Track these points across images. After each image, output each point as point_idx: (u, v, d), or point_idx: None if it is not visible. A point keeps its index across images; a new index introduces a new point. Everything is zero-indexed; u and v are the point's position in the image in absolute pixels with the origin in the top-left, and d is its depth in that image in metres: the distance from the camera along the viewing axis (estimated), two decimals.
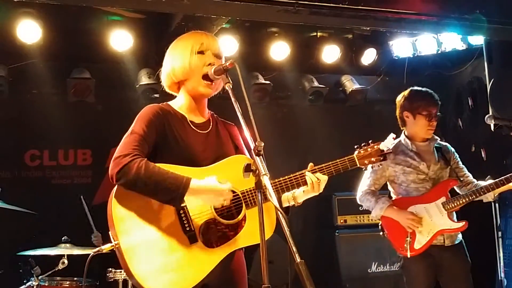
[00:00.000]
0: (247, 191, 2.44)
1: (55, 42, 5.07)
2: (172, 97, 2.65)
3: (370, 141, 2.69)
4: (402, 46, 6.14)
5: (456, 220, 3.81)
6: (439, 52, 5.95)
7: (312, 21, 4.26)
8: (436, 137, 3.99)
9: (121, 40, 5.17)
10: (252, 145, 2.15)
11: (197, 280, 2.32)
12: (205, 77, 2.48)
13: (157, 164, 2.36)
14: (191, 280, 2.32)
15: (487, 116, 4.30)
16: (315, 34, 5.93)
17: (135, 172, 2.27)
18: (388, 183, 3.98)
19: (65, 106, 5.38)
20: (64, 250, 4.08)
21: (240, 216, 2.43)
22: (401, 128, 4.03)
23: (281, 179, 2.50)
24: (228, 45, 5.36)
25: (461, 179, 3.90)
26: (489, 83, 5.24)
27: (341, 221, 5.68)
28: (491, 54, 5.30)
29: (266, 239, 2.25)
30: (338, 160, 2.56)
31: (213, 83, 2.49)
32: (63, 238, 4.19)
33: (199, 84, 2.49)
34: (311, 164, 2.54)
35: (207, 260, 2.34)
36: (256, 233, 2.18)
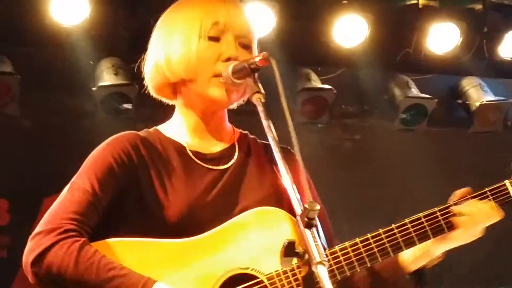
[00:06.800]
0: (277, 275, 1.79)
1: None
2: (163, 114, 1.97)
3: None
4: None
5: None
6: None
7: None
8: None
9: (69, 7, 3.86)
10: (298, 208, 1.54)
11: None
12: (218, 76, 1.90)
13: (117, 239, 1.75)
14: None
15: None
16: (416, 1, 4.44)
17: (60, 264, 1.69)
18: None
19: None
20: None
21: None
22: None
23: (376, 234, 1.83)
24: (259, 20, 4.05)
25: None
26: None
27: None
28: None
29: None
30: (487, 188, 1.89)
31: (235, 84, 1.84)
32: None
33: (209, 85, 1.83)
34: (459, 192, 1.87)
35: None
36: None
